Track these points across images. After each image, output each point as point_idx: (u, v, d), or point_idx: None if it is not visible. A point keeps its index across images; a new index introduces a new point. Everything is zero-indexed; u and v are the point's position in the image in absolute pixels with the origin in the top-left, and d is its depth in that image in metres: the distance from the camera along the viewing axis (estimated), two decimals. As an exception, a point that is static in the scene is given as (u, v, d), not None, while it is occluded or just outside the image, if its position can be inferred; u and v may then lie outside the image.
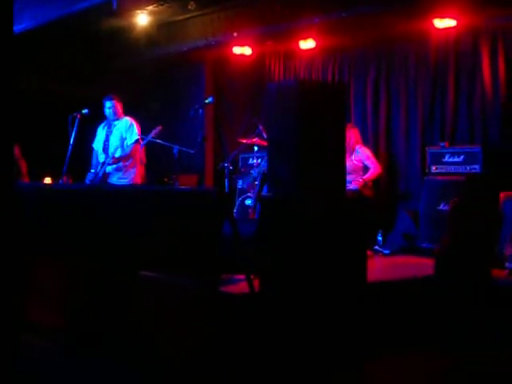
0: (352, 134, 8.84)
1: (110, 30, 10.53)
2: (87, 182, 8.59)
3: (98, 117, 8.75)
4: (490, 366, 5.37)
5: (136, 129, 8.55)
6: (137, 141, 8.48)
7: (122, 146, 8.53)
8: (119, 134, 8.56)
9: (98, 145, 8.75)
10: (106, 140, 8.61)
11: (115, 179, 8.49)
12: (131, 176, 8.56)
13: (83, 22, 10.05)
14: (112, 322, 5.91)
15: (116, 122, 8.63)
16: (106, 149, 8.58)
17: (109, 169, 8.50)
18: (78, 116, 8.31)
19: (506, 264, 6.94)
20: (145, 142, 9.03)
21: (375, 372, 5.47)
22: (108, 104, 8.59)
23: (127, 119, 8.63)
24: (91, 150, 8.88)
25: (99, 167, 8.55)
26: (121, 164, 8.50)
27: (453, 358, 5.65)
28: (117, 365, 5.40)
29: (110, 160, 8.45)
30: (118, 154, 8.50)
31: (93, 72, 11.31)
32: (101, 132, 8.76)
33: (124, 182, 8.48)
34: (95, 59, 11.26)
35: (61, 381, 5.09)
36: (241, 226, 6.21)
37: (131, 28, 10.34)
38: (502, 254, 7.15)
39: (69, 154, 8.24)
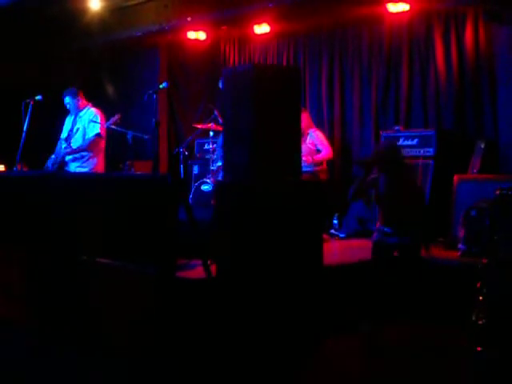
0: (303, 118, 8.85)
1: (63, 15, 10.39)
2: (48, 165, 8.43)
3: (52, 102, 8.62)
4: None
5: (99, 121, 8.31)
6: (97, 134, 8.25)
7: (83, 137, 8.35)
8: (82, 124, 8.38)
9: (63, 134, 8.58)
10: (71, 130, 8.44)
11: (73, 168, 8.31)
12: (91, 167, 8.34)
13: (36, 5, 9.91)
14: (68, 311, 5.88)
15: (81, 113, 8.43)
16: (68, 138, 8.40)
17: (68, 158, 8.35)
18: (32, 102, 8.18)
19: (459, 246, 7.04)
20: None
21: (331, 351, 5.54)
22: (66, 100, 8.38)
23: (92, 110, 8.42)
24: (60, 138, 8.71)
25: (59, 155, 8.39)
26: (79, 154, 8.33)
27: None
28: (74, 354, 5.38)
29: (67, 149, 8.30)
30: (75, 145, 8.33)
31: (46, 57, 11.16)
32: (68, 121, 8.58)
33: (83, 170, 8.31)
34: (48, 44, 11.10)
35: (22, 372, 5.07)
36: (197, 212, 6.22)
37: (84, 13, 10.21)
38: (456, 236, 7.26)
39: (22, 140, 8.12)
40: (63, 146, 8.43)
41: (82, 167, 8.34)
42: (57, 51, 11.21)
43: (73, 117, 8.53)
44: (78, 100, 8.43)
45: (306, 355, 5.39)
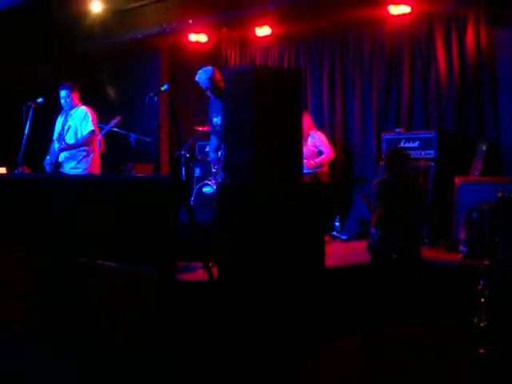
0: (304, 121, 8.84)
1: (65, 18, 10.42)
2: (46, 165, 8.42)
3: (53, 105, 8.61)
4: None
5: (91, 119, 8.32)
6: (91, 132, 8.26)
7: (75, 135, 8.35)
8: (74, 123, 8.38)
9: (55, 134, 8.58)
10: (62, 130, 8.44)
11: (68, 169, 8.30)
12: (85, 166, 8.32)
13: (38, 7, 9.91)
14: (69, 312, 5.87)
15: (72, 112, 8.43)
16: (60, 138, 8.41)
17: (61, 157, 8.32)
18: (33, 105, 8.16)
19: (461, 248, 7.02)
20: (104, 131, 8.89)
21: (331, 352, 5.52)
22: (62, 93, 8.40)
23: (83, 109, 8.42)
24: (52, 139, 8.72)
25: (53, 156, 8.39)
26: (74, 152, 8.31)
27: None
28: (74, 354, 5.37)
29: (62, 145, 8.29)
30: (70, 142, 8.33)
31: (47, 59, 11.16)
32: (59, 121, 8.58)
33: (77, 172, 8.28)
34: (50, 46, 11.11)
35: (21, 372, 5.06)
36: (199, 214, 6.21)
37: (86, 15, 10.23)
38: (457, 238, 7.25)
39: (24, 143, 8.10)
40: (56, 146, 8.42)
41: (76, 168, 8.30)
42: (59, 54, 11.21)
43: (63, 116, 8.51)
44: (74, 96, 8.43)
45: (306, 356, 5.38)
